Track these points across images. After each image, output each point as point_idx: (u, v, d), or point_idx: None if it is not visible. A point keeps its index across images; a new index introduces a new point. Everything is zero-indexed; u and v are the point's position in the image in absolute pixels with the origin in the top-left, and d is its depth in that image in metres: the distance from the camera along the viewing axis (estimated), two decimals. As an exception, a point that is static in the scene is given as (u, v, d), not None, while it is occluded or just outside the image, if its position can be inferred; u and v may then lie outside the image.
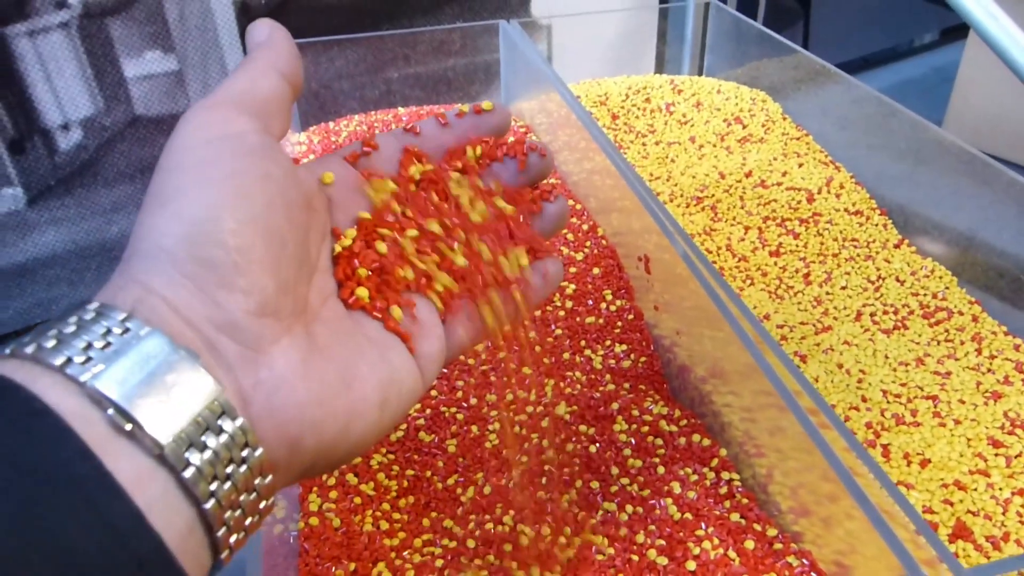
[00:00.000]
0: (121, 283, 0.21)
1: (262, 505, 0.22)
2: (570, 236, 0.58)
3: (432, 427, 0.45)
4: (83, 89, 0.71)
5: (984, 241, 0.59)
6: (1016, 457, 0.43)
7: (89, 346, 0.19)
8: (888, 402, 0.48)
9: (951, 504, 0.41)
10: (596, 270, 0.55)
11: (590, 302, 0.53)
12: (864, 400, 0.48)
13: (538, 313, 0.52)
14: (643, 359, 0.51)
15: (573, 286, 0.53)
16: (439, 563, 0.38)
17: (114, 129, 0.74)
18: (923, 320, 0.55)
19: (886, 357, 0.51)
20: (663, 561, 0.37)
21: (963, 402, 0.47)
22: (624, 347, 0.51)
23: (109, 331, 0.20)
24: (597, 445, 0.43)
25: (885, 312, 0.56)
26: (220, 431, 0.20)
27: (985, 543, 0.39)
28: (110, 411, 0.18)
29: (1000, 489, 0.41)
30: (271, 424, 0.22)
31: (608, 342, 0.51)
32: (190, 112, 0.24)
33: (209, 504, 0.20)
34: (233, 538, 0.21)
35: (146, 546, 0.18)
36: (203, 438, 0.20)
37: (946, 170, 0.63)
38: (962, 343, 0.53)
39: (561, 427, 0.45)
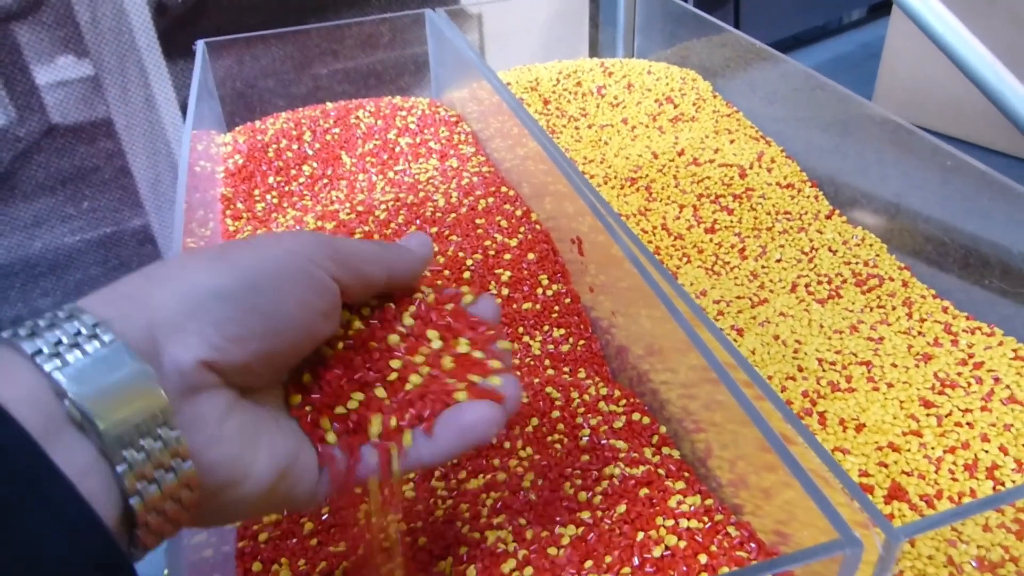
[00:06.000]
0: (116, 295, 0.24)
1: (182, 517, 0.24)
2: (504, 223, 0.57)
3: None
4: (-9, 98, 0.68)
5: (910, 208, 0.60)
6: (947, 416, 0.43)
7: (59, 342, 0.21)
8: (824, 370, 0.48)
9: (886, 466, 0.41)
10: (531, 255, 0.54)
11: (526, 288, 0.52)
12: (800, 369, 0.49)
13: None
14: (581, 342, 0.50)
15: (508, 273, 0.53)
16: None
17: (29, 140, 0.71)
18: (856, 288, 0.56)
19: (821, 326, 0.52)
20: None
21: (895, 366, 0.48)
22: (562, 331, 0.51)
23: (80, 332, 0.22)
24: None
25: (819, 282, 0.57)
26: (157, 438, 0.22)
27: (919, 502, 0.40)
28: (66, 401, 0.21)
29: (932, 448, 0.42)
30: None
31: (546, 327, 0.51)
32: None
33: (134, 500, 0.22)
34: (150, 540, 0.23)
35: (97, 539, 0.20)
36: (141, 441, 0.22)
37: (872, 140, 0.64)
38: (893, 308, 0.54)
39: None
